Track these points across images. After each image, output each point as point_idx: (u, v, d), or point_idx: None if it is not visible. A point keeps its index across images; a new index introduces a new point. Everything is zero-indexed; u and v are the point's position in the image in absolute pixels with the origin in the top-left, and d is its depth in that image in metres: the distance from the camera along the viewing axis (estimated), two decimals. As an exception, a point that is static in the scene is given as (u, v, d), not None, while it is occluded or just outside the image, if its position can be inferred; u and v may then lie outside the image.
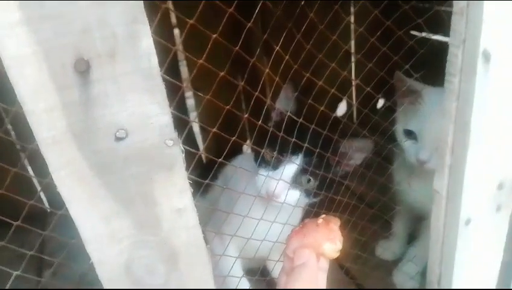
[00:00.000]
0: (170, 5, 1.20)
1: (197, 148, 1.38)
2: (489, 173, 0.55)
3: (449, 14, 0.48)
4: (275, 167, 0.68)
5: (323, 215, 0.54)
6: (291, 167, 0.67)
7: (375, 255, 1.05)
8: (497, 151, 0.53)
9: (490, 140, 0.51)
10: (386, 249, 1.04)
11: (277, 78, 0.52)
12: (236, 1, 0.44)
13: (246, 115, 0.49)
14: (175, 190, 0.38)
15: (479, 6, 0.44)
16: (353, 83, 1.32)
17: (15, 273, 0.38)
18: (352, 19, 1.23)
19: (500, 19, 0.45)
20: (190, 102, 1.47)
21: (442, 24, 0.56)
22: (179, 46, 1.19)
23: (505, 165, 0.55)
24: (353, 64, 1.25)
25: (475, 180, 0.53)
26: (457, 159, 0.52)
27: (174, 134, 0.36)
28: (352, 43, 1.30)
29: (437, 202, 0.57)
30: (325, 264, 0.52)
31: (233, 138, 0.48)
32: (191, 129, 1.33)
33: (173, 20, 1.24)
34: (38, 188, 1.20)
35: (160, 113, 0.34)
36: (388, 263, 1.02)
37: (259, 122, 0.51)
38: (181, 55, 1.28)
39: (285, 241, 0.53)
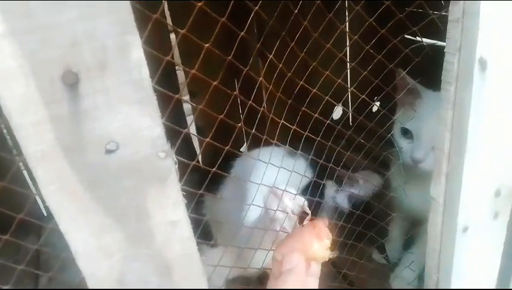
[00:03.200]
0: (166, 9, 1.20)
1: (194, 152, 1.37)
2: (486, 180, 0.54)
3: (446, 20, 0.47)
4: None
5: (309, 217, 0.53)
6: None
7: (372, 259, 1.05)
8: (494, 159, 0.53)
9: (487, 147, 0.51)
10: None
11: (271, 86, 0.52)
12: (229, 9, 0.43)
13: (240, 124, 0.49)
14: (168, 202, 0.37)
15: (475, 14, 0.43)
16: (348, 88, 1.32)
17: (5, 288, 0.38)
18: (347, 25, 1.23)
19: (497, 26, 0.45)
20: (187, 105, 1.46)
21: (440, 29, 0.55)
22: (174, 50, 1.18)
23: (502, 172, 0.55)
24: (348, 70, 1.25)
25: (472, 188, 0.53)
26: (454, 166, 0.52)
27: (167, 146, 0.35)
28: (348, 49, 1.31)
29: (434, 210, 0.57)
30: (316, 270, 0.50)
31: (227, 147, 0.47)
32: (187, 134, 1.32)
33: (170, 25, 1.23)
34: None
35: (152, 125, 0.34)
36: (385, 268, 1.02)
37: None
38: (178, 60, 1.27)
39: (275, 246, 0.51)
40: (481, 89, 0.46)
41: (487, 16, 0.43)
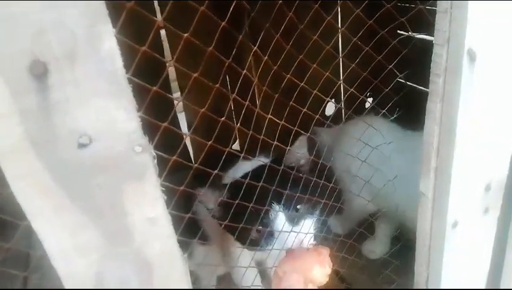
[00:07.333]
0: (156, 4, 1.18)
1: (187, 149, 1.36)
2: (476, 174, 0.53)
3: (434, 13, 0.46)
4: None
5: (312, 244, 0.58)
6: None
7: (363, 255, 1.05)
8: (483, 153, 0.52)
9: (476, 141, 0.50)
10: (371, 249, 1.04)
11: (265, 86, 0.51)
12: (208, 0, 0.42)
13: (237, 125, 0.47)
14: (146, 199, 0.36)
15: (464, 5, 0.42)
16: (341, 83, 1.31)
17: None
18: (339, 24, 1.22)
19: (486, 17, 0.43)
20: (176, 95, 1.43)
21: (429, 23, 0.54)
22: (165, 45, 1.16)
23: (492, 166, 0.54)
24: (341, 66, 1.24)
25: (462, 183, 0.52)
26: (443, 161, 0.51)
27: (144, 140, 0.34)
28: (340, 46, 1.29)
29: (423, 205, 0.56)
30: None
31: (226, 150, 0.46)
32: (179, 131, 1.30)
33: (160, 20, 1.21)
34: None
35: (127, 119, 0.32)
36: (376, 264, 1.02)
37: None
38: (168, 56, 1.25)
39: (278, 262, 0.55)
40: (470, 80, 0.45)
41: (475, 7, 0.42)
